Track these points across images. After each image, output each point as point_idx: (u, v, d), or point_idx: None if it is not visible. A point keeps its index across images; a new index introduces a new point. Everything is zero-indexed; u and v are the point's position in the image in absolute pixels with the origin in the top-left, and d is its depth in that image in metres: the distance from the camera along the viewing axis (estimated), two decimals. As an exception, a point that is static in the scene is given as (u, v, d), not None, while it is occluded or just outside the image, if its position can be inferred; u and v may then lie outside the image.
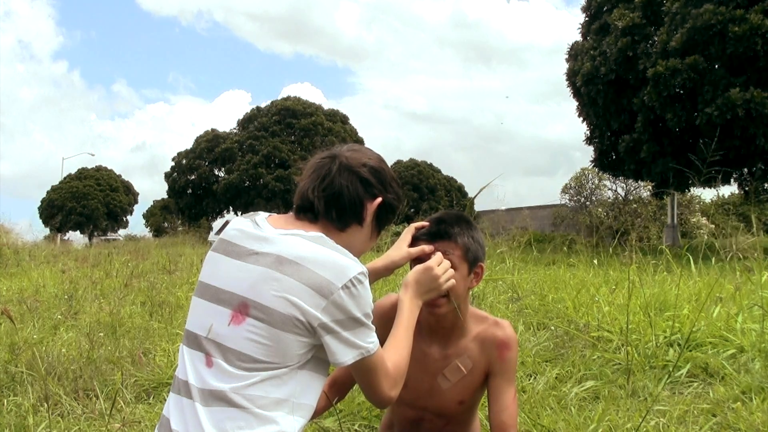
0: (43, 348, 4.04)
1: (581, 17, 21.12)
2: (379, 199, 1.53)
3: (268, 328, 1.35)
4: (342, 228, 1.50)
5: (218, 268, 1.47)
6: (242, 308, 1.38)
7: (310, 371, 1.42)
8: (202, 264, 1.56)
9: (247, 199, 38.10)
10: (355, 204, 1.50)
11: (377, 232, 1.59)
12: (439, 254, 1.68)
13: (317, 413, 1.67)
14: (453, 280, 1.67)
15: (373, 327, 1.43)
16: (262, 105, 41.95)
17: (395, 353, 1.52)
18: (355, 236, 1.53)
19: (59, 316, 5.38)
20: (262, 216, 1.53)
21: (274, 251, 1.39)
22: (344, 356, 1.38)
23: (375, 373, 1.45)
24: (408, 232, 1.78)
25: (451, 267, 1.67)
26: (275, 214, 1.55)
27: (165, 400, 2.79)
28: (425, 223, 1.77)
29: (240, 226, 1.50)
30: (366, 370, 1.44)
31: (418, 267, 1.65)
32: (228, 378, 1.35)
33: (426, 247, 1.70)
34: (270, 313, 1.35)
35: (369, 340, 1.41)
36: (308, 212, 1.50)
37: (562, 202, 28.91)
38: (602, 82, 18.61)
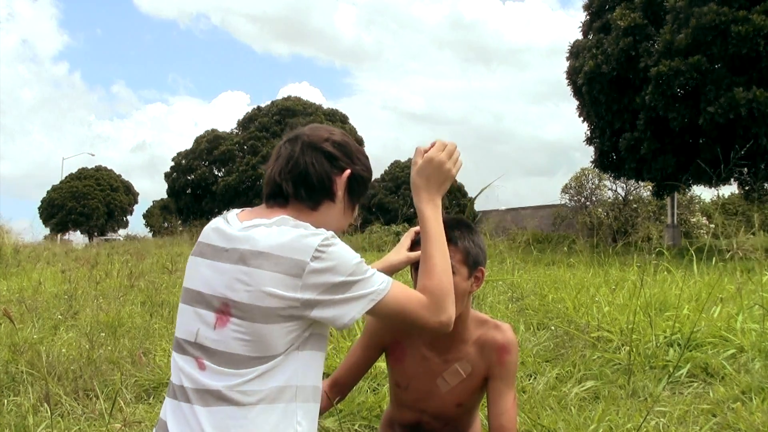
0: (43, 348, 4.04)
1: (578, 18, 21.27)
2: (348, 172, 1.49)
3: (252, 324, 1.32)
4: (314, 207, 1.47)
5: (197, 270, 1.45)
6: (224, 309, 1.36)
7: (311, 350, 1.39)
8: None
9: (245, 199, 38.03)
10: (323, 180, 1.46)
11: (351, 207, 1.55)
12: (439, 141, 1.55)
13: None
14: (461, 162, 1.55)
15: (371, 273, 1.37)
16: (263, 105, 41.95)
17: (428, 278, 1.45)
18: (329, 214, 1.49)
19: (59, 316, 5.38)
20: (233, 212, 1.50)
21: (239, 247, 1.37)
22: (350, 313, 1.34)
23: (406, 310, 1.39)
24: (408, 236, 1.76)
25: (451, 272, 1.61)
26: (247, 209, 1.52)
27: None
28: None
29: (214, 225, 1.48)
30: (393, 312, 1.38)
31: (421, 164, 1.52)
32: (223, 377, 1.34)
33: None
34: (249, 310, 1.32)
35: (373, 285, 1.36)
36: (278, 197, 1.47)
37: (562, 202, 28.86)
38: (604, 81, 18.61)
